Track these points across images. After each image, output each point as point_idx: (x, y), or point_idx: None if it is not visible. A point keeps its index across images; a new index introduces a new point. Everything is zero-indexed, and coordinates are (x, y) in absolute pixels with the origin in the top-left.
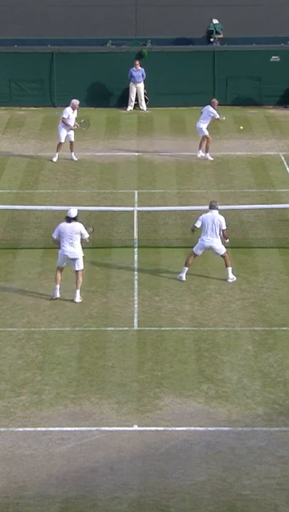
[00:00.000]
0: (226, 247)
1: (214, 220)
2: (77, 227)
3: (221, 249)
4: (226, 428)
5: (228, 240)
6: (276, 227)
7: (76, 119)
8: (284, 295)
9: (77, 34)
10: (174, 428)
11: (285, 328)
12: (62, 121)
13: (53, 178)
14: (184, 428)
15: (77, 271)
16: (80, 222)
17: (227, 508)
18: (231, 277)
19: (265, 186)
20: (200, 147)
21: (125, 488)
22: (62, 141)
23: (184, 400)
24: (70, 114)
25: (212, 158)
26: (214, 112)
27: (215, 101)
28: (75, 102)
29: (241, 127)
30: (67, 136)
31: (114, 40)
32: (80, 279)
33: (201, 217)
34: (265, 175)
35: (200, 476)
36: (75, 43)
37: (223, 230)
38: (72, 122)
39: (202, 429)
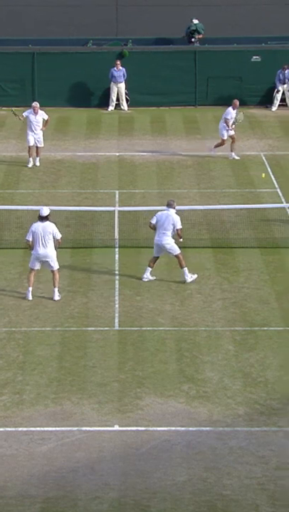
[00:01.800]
0: (207, 247)
1: (168, 218)
2: (50, 226)
3: (173, 250)
4: (207, 428)
5: (181, 240)
6: (257, 227)
7: (44, 121)
8: (265, 295)
9: (58, 34)
10: (154, 428)
11: (265, 328)
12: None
13: (33, 178)
14: (164, 428)
15: (52, 270)
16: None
17: (208, 508)
18: (189, 277)
19: (245, 186)
20: (231, 149)
21: (106, 488)
22: (30, 144)
23: (165, 400)
24: (30, 115)
25: (210, 155)
26: (231, 112)
27: (235, 101)
28: (34, 104)
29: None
30: (36, 141)
31: (95, 40)
32: (57, 276)
33: (156, 215)
34: (246, 175)
35: (181, 476)
36: (55, 43)
37: (177, 230)
38: (35, 125)
39: (183, 429)
